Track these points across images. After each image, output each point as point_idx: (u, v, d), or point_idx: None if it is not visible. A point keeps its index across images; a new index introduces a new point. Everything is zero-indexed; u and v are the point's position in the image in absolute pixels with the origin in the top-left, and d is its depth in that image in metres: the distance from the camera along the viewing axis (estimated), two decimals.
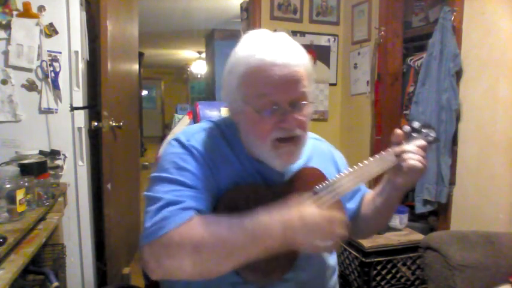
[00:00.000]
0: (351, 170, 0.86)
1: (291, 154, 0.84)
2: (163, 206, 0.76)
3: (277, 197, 0.77)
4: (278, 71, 0.78)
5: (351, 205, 1.05)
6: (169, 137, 1.06)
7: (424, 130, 0.94)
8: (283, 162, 0.85)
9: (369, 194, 1.06)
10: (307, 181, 0.87)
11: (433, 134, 0.94)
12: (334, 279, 0.99)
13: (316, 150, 1.01)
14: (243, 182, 0.86)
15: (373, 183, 1.20)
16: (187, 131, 0.91)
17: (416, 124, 0.94)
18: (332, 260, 0.98)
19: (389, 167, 0.88)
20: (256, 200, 0.79)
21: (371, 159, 0.87)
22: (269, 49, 0.81)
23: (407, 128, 0.93)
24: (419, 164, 0.86)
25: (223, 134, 0.90)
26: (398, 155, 0.87)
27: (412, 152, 0.87)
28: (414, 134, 0.92)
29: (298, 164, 0.92)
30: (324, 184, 0.83)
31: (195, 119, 1.25)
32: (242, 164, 0.88)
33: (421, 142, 0.90)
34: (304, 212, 0.73)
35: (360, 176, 0.85)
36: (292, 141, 0.83)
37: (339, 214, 0.75)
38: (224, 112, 1.23)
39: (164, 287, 0.99)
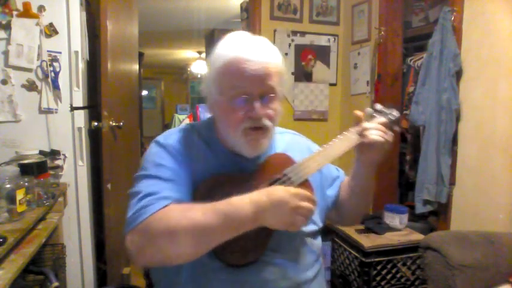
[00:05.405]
0: (316, 152, 0.93)
1: (258, 142, 0.91)
2: (142, 197, 0.84)
3: (250, 182, 0.86)
4: (251, 66, 0.86)
5: (331, 192, 1.11)
6: None
7: (386, 111, 1.02)
8: (251, 149, 0.92)
9: (346, 179, 1.12)
10: (276, 165, 0.94)
11: (395, 113, 1.02)
12: (318, 267, 1.00)
13: (293, 142, 1.10)
14: (218, 172, 0.93)
15: None
16: (165, 133, 1.00)
17: (378, 106, 1.02)
18: (316, 245, 1.01)
19: (353, 145, 0.96)
20: (230, 186, 0.85)
21: (335, 139, 0.95)
22: (245, 47, 0.89)
23: (369, 110, 1.00)
24: (379, 138, 0.93)
25: (199, 133, 0.99)
26: (360, 133, 0.95)
27: (372, 128, 0.94)
28: (376, 115, 1.00)
29: (271, 153, 1.00)
30: (291, 166, 0.91)
31: (195, 121, 1.26)
32: (218, 158, 0.95)
33: (381, 119, 0.98)
34: (271, 191, 0.81)
35: (325, 156, 0.93)
36: (260, 130, 0.91)
37: (303, 190, 0.82)
38: None
39: (155, 278, 1.01)
